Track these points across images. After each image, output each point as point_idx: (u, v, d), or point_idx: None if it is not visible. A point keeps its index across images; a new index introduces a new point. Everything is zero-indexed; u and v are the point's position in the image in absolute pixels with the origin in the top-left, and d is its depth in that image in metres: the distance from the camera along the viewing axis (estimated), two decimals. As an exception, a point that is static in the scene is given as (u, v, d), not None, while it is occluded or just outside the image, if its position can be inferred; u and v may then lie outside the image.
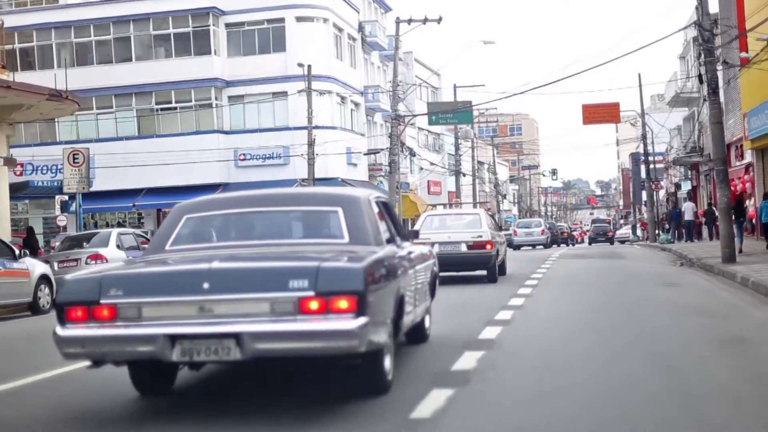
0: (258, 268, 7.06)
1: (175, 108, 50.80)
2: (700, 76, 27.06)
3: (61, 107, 28.72)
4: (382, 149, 52.21)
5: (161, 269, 7.32)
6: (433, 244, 17.17)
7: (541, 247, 51.59)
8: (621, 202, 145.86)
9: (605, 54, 77.40)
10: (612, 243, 76.80)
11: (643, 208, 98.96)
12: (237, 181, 50.25)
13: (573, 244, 71.90)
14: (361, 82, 57.35)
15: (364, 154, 52.51)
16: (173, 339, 6.61)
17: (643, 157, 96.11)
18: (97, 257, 21.88)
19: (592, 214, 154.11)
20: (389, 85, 51.55)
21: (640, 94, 58.83)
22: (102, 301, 6.73)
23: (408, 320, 8.41)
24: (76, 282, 6.98)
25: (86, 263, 21.31)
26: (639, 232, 74.71)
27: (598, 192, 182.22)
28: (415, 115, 53.01)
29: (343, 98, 53.30)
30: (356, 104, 56.04)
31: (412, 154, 62.83)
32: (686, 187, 67.04)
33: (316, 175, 46.51)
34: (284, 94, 49.65)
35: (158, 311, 6.71)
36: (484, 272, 20.82)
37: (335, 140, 49.67)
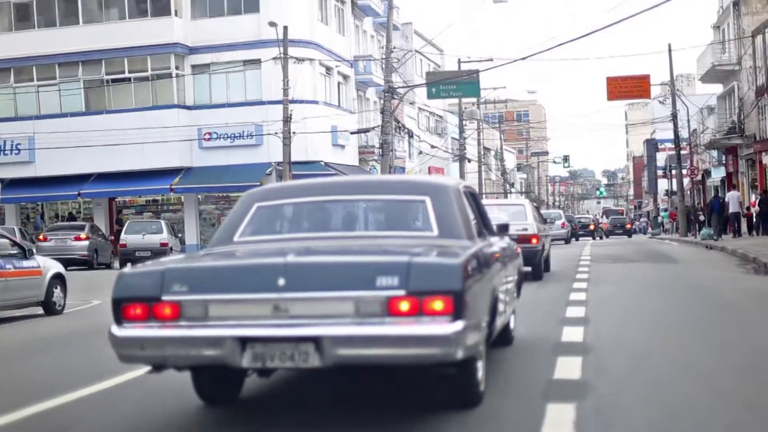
0: (341, 262, 6.35)
1: (129, 79, 43.37)
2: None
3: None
4: (373, 128, 44.61)
5: (230, 263, 6.68)
6: None
7: (562, 242, 43.97)
8: (631, 192, 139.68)
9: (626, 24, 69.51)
10: (630, 236, 70.12)
11: (660, 199, 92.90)
12: (200, 165, 42.89)
13: (601, 237, 64.84)
14: (351, 51, 49.68)
15: (352, 133, 44.86)
16: (244, 342, 5.99)
17: (658, 143, 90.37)
18: None
19: (599, 203, 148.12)
20: (384, 55, 43.96)
21: (670, 66, 51.07)
22: (164, 298, 6.13)
23: (500, 322, 7.81)
24: (135, 275, 6.40)
25: None
26: (667, 224, 67.14)
27: (604, 182, 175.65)
28: (411, 87, 45.33)
29: (328, 69, 45.72)
30: (345, 77, 48.42)
31: (410, 134, 55.01)
32: (717, 174, 59.38)
33: (295, 158, 39.17)
34: (257, 62, 42.23)
35: (227, 310, 6.11)
36: (528, 268, 16.09)
37: (317, 116, 42.15)
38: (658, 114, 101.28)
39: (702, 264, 24.40)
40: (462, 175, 65.70)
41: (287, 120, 38.21)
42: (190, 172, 42.71)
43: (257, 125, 41.66)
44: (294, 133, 38.64)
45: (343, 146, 45.83)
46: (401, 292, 5.86)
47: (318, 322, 5.93)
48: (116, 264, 34.27)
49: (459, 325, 5.85)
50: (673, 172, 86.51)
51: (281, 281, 6.00)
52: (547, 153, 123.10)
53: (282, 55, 37.94)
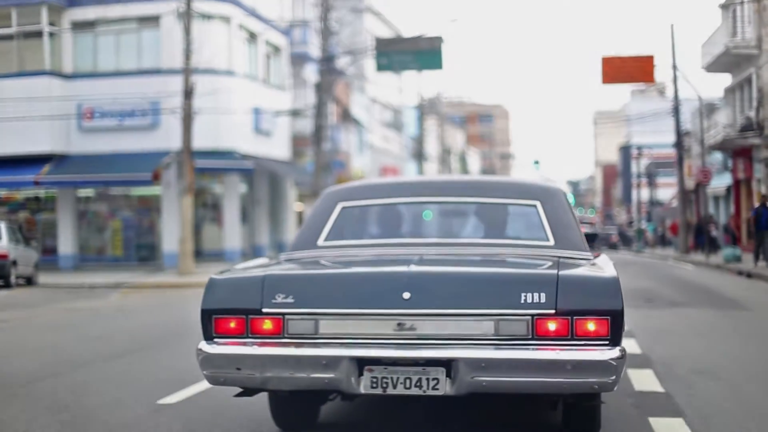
0: (477, 275, 5.72)
1: (-13, 37, 33.29)
2: None
3: None
4: (309, 109, 34.97)
5: (343, 271, 6.02)
6: None
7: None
8: (596, 202, 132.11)
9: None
10: (616, 249, 61.37)
11: (642, 210, 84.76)
12: (79, 152, 32.98)
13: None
14: (285, 17, 39.89)
15: (277, 115, 34.97)
16: (362, 364, 5.32)
17: (640, 149, 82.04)
18: None
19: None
20: (321, 15, 34.27)
21: (672, 49, 42.14)
22: (265, 310, 5.44)
23: None
24: (231, 283, 5.71)
25: None
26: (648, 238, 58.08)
27: (568, 191, 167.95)
28: (354, 53, 35.56)
29: (252, 35, 36.00)
30: (276, 48, 38.68)
31: (355, 122, 45.23)
32: (720, 181, 50.16)
33: (201, 145, 29.66)
34: (155, 19, 32.61)
35: (340, 327, 5.39)
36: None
37: (233, 92, 32.48)
38: (635, 119, 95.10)
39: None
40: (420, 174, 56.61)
41: (188, 93, 28.56)
42: (65, 161, 32.80)
43: (154, 101, 31.88)
44: (196, 112, 28.99)
45: (268, 133, 36.10)
46: (550, 311, 5.20)
47: (450, 343, 5.25)
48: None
49: (617, 351, 5.20)
50: (657, 179, 79.34)
51: (406, 294, 5.29)
52: (510, 156, 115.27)
53: (185, 6, 28.35)
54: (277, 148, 37.21)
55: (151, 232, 34.16)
